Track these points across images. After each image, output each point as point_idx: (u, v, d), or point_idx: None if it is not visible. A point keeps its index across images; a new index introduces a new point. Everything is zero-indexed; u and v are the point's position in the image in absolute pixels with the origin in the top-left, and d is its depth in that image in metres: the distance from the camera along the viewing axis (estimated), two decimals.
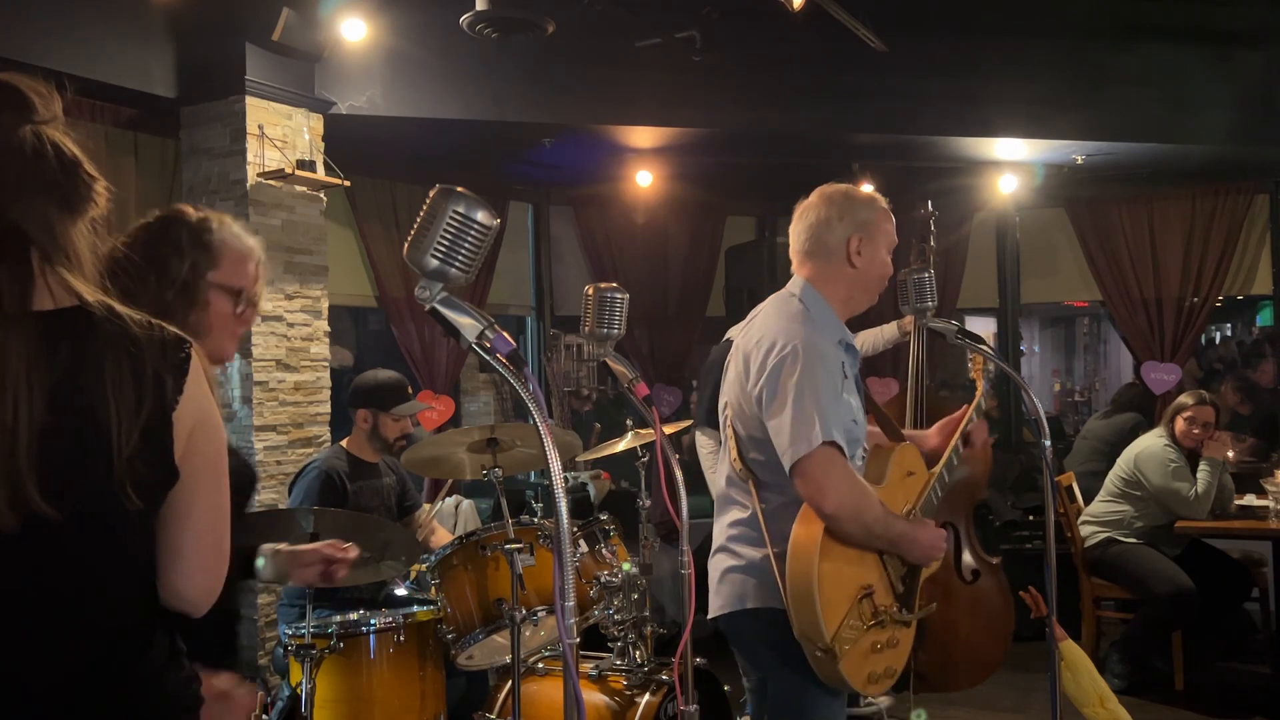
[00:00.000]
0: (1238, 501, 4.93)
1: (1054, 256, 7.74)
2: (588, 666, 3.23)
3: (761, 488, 2.32)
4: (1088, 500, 5.20)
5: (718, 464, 2.50)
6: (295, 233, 4.86)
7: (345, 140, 5.08)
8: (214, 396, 1.39)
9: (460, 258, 1.37)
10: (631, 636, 3.21)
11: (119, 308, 1.30)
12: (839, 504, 2.17)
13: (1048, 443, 2.66)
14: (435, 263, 1.36)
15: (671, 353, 7.59)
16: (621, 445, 3.85)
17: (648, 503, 3.64)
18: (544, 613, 3.04)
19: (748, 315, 2.51)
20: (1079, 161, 6.57)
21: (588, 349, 7.09)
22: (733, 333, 2.82)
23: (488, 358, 1.36)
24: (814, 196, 2.48)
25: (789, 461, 2.19)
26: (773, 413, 2.23)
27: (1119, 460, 5.05)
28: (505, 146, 6.17)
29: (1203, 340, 11.41)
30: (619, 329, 2.30)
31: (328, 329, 5.06)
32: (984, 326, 8.46)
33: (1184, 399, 4.95)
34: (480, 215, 1.38)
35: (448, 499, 4.55)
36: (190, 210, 1.83)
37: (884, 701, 4.16)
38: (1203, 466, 4.73)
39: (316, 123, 4.96)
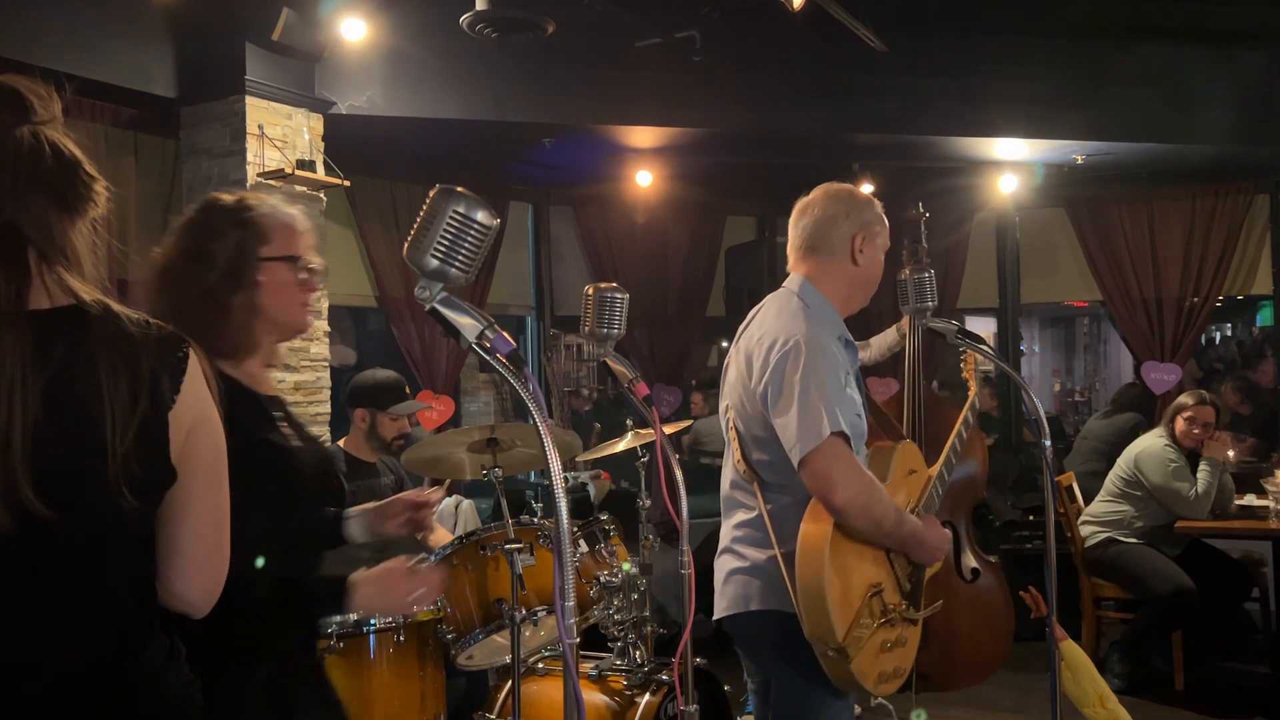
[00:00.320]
0: (1238, 501, 4.93)
1: (1054, 256, 7.74)
2: (588, 666, 3.23)
3: (767, 489, 2.31)
4: (1088, 500, 5.20)
5: (722, 466, 2.49)
6: None
7: (345, 140, 5.08)
8: (215, 396, 1.38)
9: (460, 258, 1.37)
10: (631, 636, 3.21)
11: (116, 307, 1.30)
12: (849, 497, 2.15)
13: (1048, 443, 2.66)
14: (435, 263, 1.36)
15: (671, 353, 7.58)
16: (621, 445, 3.85)
17: (648, 503, 3.64)
18: (544, 613, 3.03)
19: (747, 316, 2.51)
20: (1079, 161, 6.57)
21: (588, 349, 7.10)
22: None
23: (488, 358, 1.36)
24: (818, 193, 2.47)
25: (798, 455, 2.17)
26: (779, 409, 2.22)
27: (1119, 460, 5.05)
28: (505, 146, 6.17)
29: (1203, 340, 11.41)
30: (619, 329, 2.30)
31: (327, 329, 5.06)
32: (984, 326, 8.46)
33: (1184, 399, 4.95)
34: (480, 215, 1.38)
35: (448, 499, 4.55)
36: (225, 195, 1.84)
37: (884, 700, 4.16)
38: (1203, 466, 4.73)
39: (316, 123, 4.95)
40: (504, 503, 3.05)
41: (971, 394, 3.06)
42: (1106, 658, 4.80)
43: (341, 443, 3.81)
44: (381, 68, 5.10)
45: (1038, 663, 2.94)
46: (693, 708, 2.24)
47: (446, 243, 1.36)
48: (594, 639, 3.52)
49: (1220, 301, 7.46)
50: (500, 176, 6.92)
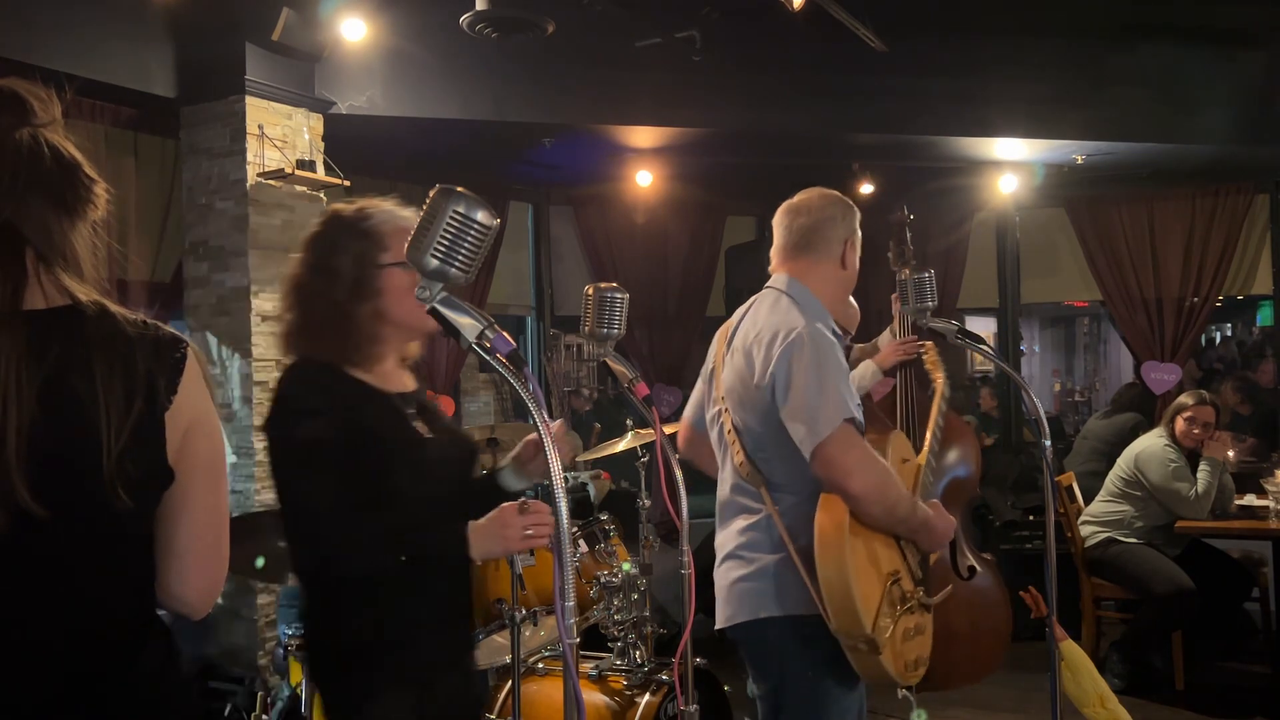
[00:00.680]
0: (1238, 501, 4.93)
1: (1054, 256, 7.74)
2: (588, 666, 3.22)
3: (774, 489, 2.28)
4: (1088, 500, 5.20)
5: (719, 471, 2.47)
6: (295, 233, 4.85)
7: (345, 140, 5.08)
8: (213, 397, 1.38)
9: (460, 258, 1.37)
10: (631, 636, 3.21)
11: (112, 307, 1.30)
12: (865, 484, 2.14)
13: (1048, 443, 2.65)
14: (435, 263, 1.36)
15: (671, 353, 7.59)
16: (621, 445, 3.85)
17: (648, 503, 3.64)
18: (544, 613, 3.04)
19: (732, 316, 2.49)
20: (1079, 161, 6.58)
21: (588, 349, 7.09)
22: None
23: (488, 358, 1.36)
24: (812, 194, 2.46)
25: (810, 445, 2.14)
26: (788, 400, 2.20)
27: (1119, 460, 5.05)
28: (505, 146, 6.17)
29: (1203, 340, 11.42)
30: (619, 329, 2.29)
31: None
32: (984, 326, 8.47)
33: (1184, 399, 4.94)
34: (480, 215, 1.38)
35: None
36: (343, 207, 1.90)
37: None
38: (1203, 466, 4.73)
39: (316, 123, 4.96)
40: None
41: (937, 383, 3.05)
42: (1106, 658, 4.79)
43: None
44: (381, 68, 5.10)
45: (1038, 663, 2.94)
46: (693, 708, 2.24)
47: (446, 243, 1.36)
48: (594, 639, 3.52)
49: (1220, 301, 7.47)
50: (500, 176, 6.92)
